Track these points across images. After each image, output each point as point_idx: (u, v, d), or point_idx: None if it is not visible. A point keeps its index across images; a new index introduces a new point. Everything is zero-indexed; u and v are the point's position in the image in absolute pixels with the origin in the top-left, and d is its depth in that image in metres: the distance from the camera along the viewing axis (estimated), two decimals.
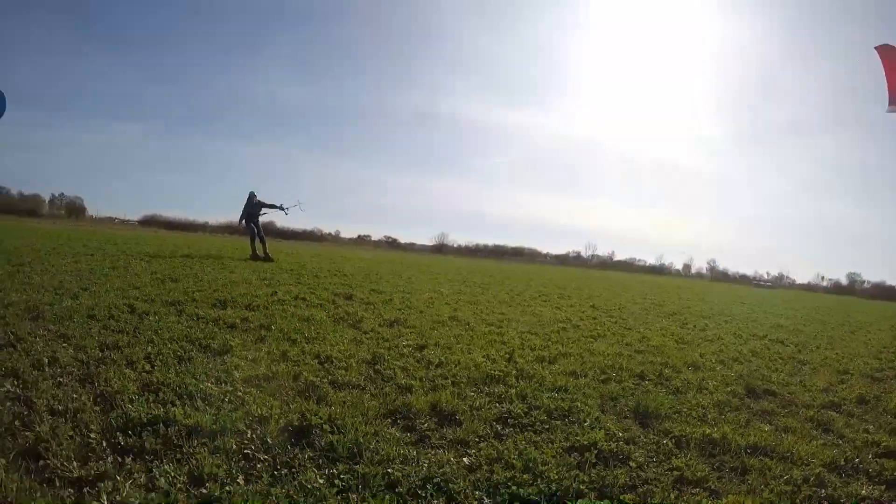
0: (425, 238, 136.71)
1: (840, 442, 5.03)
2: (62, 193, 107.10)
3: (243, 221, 21.83)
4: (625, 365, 7.00)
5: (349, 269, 20.28)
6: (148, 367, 4.85)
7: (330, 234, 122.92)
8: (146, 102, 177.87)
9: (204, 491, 2.87)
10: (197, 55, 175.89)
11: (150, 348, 5.45)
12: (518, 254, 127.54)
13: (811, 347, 11.24)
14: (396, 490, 3.08)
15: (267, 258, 21.28)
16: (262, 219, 22.68)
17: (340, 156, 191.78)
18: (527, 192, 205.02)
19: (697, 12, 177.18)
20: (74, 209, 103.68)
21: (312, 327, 7.36)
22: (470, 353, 6.69)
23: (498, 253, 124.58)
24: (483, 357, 6.56)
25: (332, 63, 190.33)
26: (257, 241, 21.67)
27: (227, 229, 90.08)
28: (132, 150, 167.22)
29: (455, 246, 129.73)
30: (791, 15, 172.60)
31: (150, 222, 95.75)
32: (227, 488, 2.91)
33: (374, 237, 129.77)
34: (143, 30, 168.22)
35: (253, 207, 21.90)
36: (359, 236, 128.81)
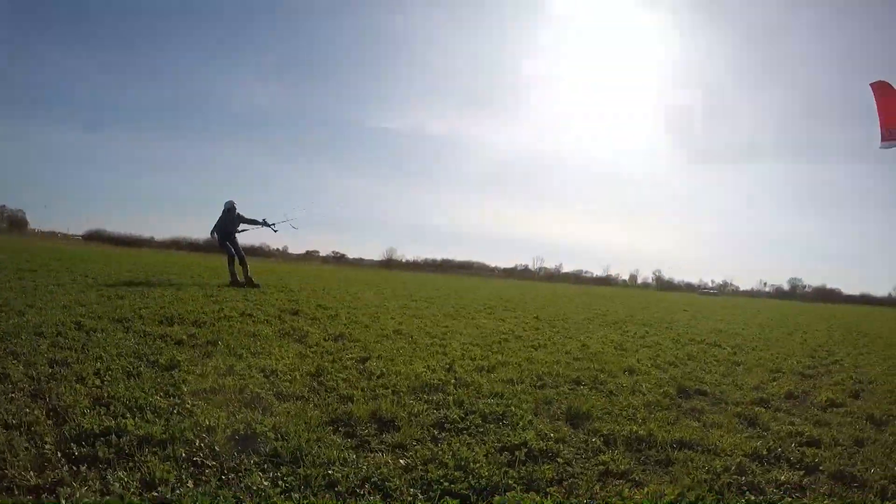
0: (374, 253, 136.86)
1: (765, 434, 5.30)
2: (3, 206, 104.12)
3: (215, 235, 17.93)
4: (562, 371, 7.30)
5: (296, 284, 20.26)
6: (98, 383, 4.98)
7: (278, 249, 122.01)
8: (90, 107, 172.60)
9: (156, 494, 3.06)
10: (154, 55, 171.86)
11: (99, 364, 5.57)
12: (466, 267, 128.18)
13: (747, 349, 11.78)
14: (336, 489, 3.31)
15: (250, 283, 17.40)
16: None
17: (294, 166, 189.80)
18: (476, 205, 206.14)
19: (659, 34, 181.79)
20: (16, 222, 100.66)
21: (258, 342, 7.52)
22: (411, 364, 6.92)
23: (446, 267, 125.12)
24: (424, 367, 6.80)
25: (292, 70, 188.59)
26: (236, 262, 17.61)
27: (174, 244, 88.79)
28: (78, 157, 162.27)
29: (404, 261, 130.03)
30: (743, 46, 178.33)
31: (94, 237, 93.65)
32: (177, 491, 3.11)
33: (322, 253, 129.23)
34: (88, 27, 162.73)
35: (230, 222, 18.05)
36: (307, 252, 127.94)
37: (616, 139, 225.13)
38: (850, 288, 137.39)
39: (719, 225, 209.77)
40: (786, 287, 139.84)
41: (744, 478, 4.09)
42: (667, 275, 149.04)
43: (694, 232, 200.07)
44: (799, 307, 54.22)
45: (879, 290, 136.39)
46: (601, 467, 4.08)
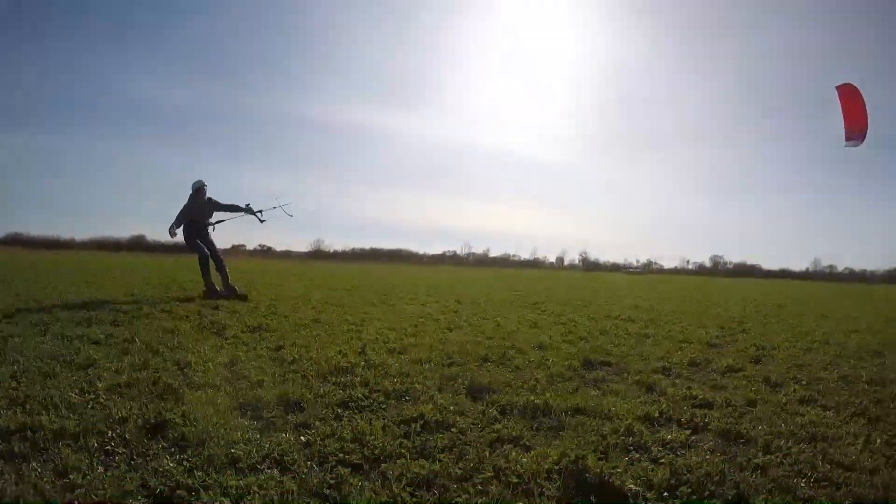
0: (302, 245, 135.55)
1: (661, 399, 5.57)
2: None
3: (175, 231, 13.26)
4: (471, 350, 7.57)
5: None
6: (14, 385, 5.08)
7: None
8: None
9: (67, 480, 3.28)
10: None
11: (15, 367, 5.65)
12: (396, 256, 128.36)
13: (660, 323, 12.26)
14: (237, 466, 3.56)
15: (234, 294, 13.39)
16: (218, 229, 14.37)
17: (213, 158, 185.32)
18: (404, 194, 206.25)
19: (579, 23, 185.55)
20: None
21: (176, 338, 7.65)
22: (325, 350, 7.14)
23: (375, 256, 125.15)
24: (336, 352, 7.03)
25: (198, 61, 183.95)
26: (211, 266, 13.60)
27: (97, 245, 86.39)
28: None
29: (331, 251, 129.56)
30: (666, 35, 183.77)
31: (12, 241, 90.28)
32: (87, 476, 3.33)
33: (249, 246, 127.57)
34: None
35: (199, 209, 13.72)
36: (232, 246, 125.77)
37: (540, 127, 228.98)
38: (770, 264, 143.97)
39: (645, 206, 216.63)
40: (708, 264, 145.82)
41: (631, 438, 4.33)
42: (593, 256, 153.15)
43: (619, 213, 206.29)
44: (719, 282, 56.13)
45: (798, 266, 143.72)
46: (494, 435, 4.28)
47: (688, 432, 4.56)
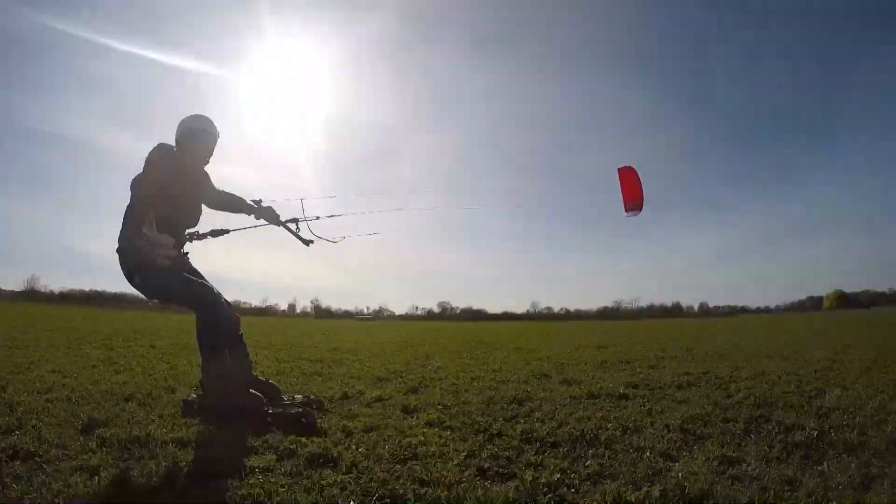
0: (12, 283, 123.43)
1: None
2: None
3: (137, 244, 5.61)
4: (118, 390, 7.50)
5: None
6: None
7: None
8: None
9: None
10: None
11: None
12: (120, 300, 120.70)
13: (348, 362, 12.67)
14: None
15: (297, 406, 6.04)
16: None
17: None
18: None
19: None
20: None
21: None
22: None
23: (100, 299, 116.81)
24: None
25: None
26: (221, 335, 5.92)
27: None
28: None
29: (48, 292, 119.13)
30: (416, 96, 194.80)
31: None
32: None
33: None
34: None
35: (192, 189, 6.09)
36: None
37: (267, 172, 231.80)
38: (496, 307, 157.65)
39: (381, 255, 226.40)
40: (437, 310, 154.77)
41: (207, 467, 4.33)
42: (325, 303, 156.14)
43: (356, 262, 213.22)
44: (443, 325, 59.14)
45: (520, 308, 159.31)
46: (76, 464, 4.30)
47: (274, 458, 4.57)
